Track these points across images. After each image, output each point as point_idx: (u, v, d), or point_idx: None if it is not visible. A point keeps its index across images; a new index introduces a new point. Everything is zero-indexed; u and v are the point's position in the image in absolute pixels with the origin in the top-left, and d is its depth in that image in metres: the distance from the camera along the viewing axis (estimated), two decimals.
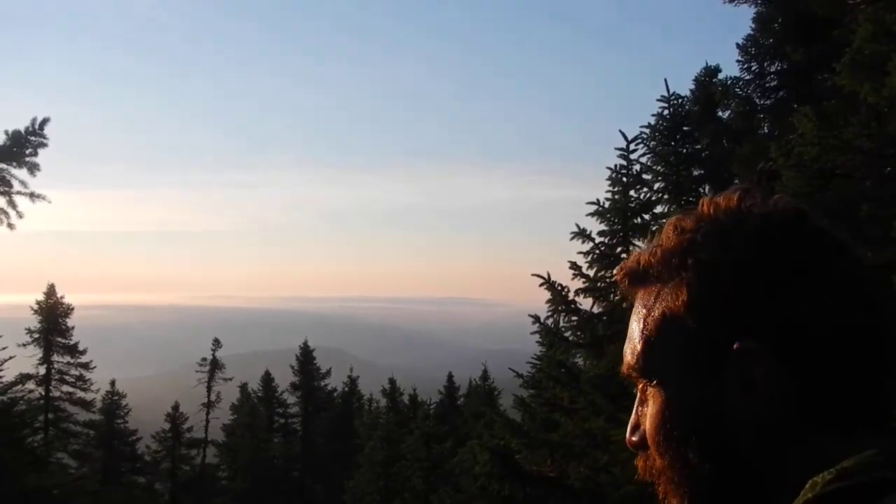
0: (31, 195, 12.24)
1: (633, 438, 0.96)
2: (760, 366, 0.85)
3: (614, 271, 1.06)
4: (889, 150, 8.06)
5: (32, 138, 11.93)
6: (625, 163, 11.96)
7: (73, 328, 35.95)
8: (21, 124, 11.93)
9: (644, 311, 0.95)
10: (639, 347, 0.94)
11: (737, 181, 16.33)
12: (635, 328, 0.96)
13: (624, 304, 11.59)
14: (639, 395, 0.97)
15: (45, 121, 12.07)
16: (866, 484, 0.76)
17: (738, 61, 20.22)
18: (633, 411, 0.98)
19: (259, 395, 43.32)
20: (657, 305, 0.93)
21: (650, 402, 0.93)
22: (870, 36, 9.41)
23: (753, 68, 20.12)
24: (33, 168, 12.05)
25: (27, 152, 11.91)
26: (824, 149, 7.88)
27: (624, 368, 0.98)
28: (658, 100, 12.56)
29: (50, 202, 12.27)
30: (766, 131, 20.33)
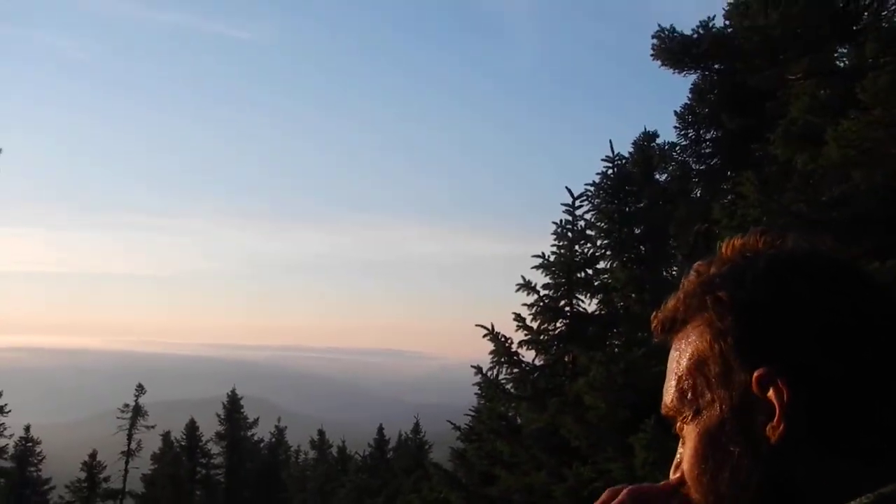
0: None
1: (675, 476, 0.99)
2: (781, 390, 0.88)
3: (651, 320, 1.09)
4: (825, 214, 8.41)
5: None
6: (570, 218, 12.19)
7: None
8: None
9: (676, 353, 0.99)
10: (673, 387, 0.98)
11: (672, 241, 16.81)
12: (669, 370, 1.00)
13: (566, 358, 11.69)
14: (679, 434, 1.00)
15: None
16: None
17: (675, 127, 20.95)
18: (677, 451, 1.01)
19: (182, 444, 41.83)
20: (685, 346, 0.98)
21: (687, 439, 0.97)
22: (806, 108, 9.90)
23: (690, 135, 20.86)
24: None
25: None
26: (765, 211, 8.19)
27: (663, 409, 1.01)
28: (602, 159, 12.92)
29: None
30: (699, 195, 21.05)
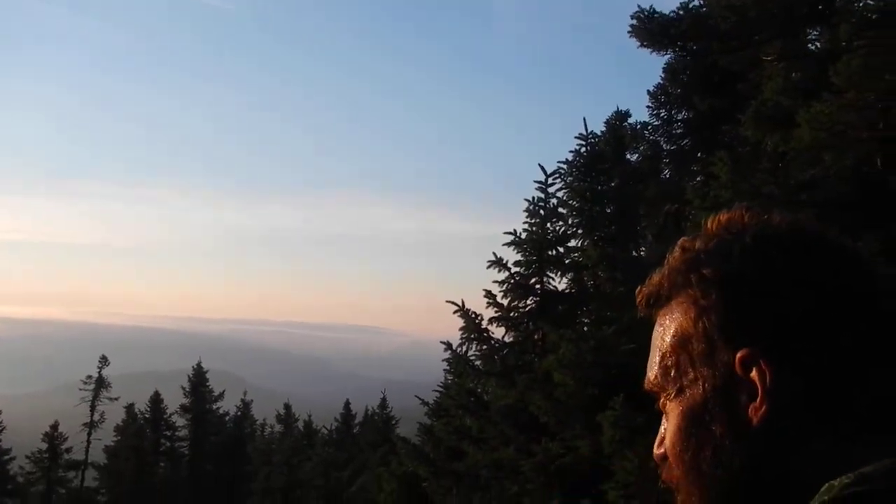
0: None
1: (659, 451, 0.98)
2: (764, 371, 0.86)
3: (637, 295, 1.05)
4: (796, 197, 8.47)
5: None
6: (542, 195, 12.17)
7: None
8: None
9: (660, 329, 0.98)
10: (657, 363, 0.97)
11: (642, 221, 16.91)
12: (653, 346, 0.99)
13: (536, 336, 11.72)
14: (662, 410, 0.99)
15: None
16: (884, 490, 0.77)
17: (648, 107, 21.03)
18: (661, 426, 0.99)
19: (146, 416, 41.48)
20: (669, 322, 0.96)
21: (670, 416, 0.95)
22: (778, 89, 9.94)
23: (662, 115, 20.95)
24: None
25: None
26: (737, 192, 8.22)
27: (646, 384, 1.00)
28: (576, 137, 12.90)
29: None
30: (669, 176, 21.20)
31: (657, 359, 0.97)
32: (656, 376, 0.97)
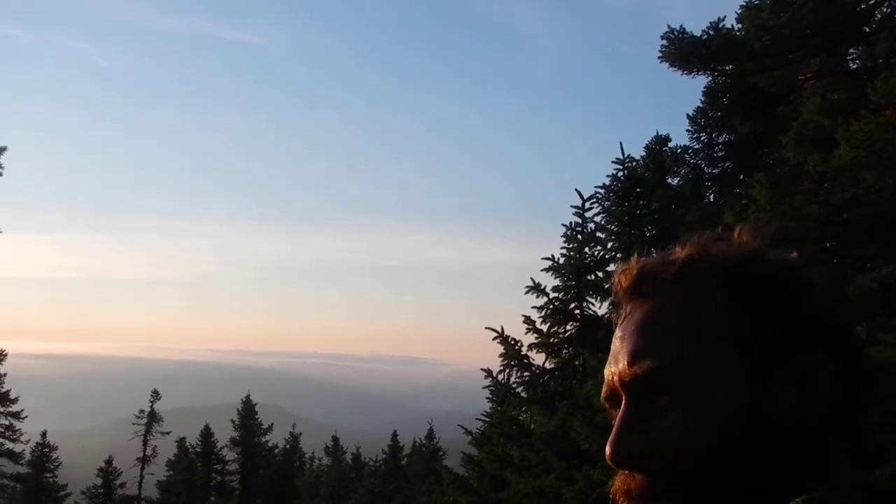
0: None
1: (631, 451, 0.89)
2: (822, 368, 0.88)
3: (615, 278, 1.02)
4: (836, 216, 8.35)
5: None
6: (580, 220, 12.18)
7: (4, 375, 34.58)
8: None
9: (666, 314, 0.92)
10: (671, 350, 0.89)
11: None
12: (654, 331, 0.92)
13: (576, 361, 11.66)
14: (641, 407, 0.91)
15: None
16: None
17: (687, 131, 20.95)
18: (626, 427, 0.91)
19: (197, 450, 41.89)
20: (687, 309, 0.91)
21: (676, 411, 0.88)
22: (817, 109, 9.85)
23: (702, 138, 20.85)
24: None
25: None
26: (776, 214, 8.14)
27: (631, 376, 0.91)
28: (613, 162, 12.91)
29: None
30: (712, 199, 20.99)
31: (669, 344, 0.90)
32: (669, 364, 0.89)
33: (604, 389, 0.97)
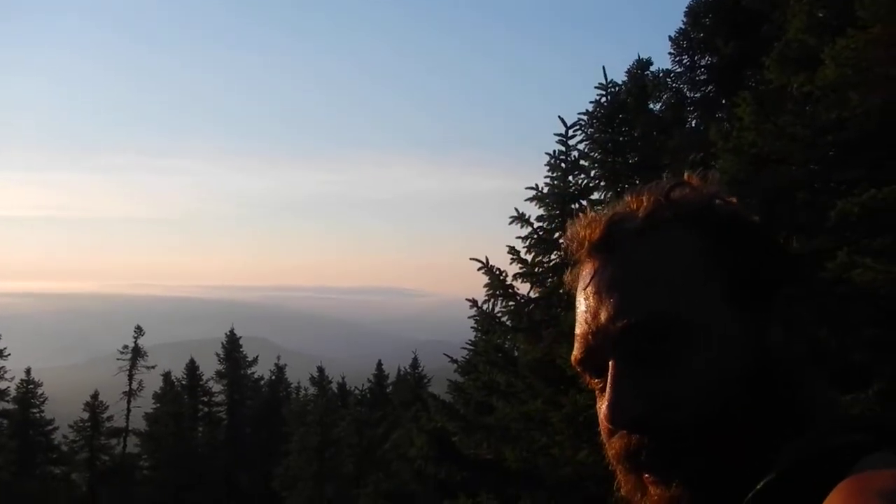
0: None
1: (636, 411, 0.83)
2: (802, 308, 0.88)
3: (574, 232, 0.95)
4: (821, 138, 8.30)
5: None
6: (563, 148, 12.03)
7: None
8: None
9: (646, 264, 0.87)
10: (661, 300, 0.85)
11: (667, 171, 16.68)
12: (637, 283, 0.87)
13: (561, 290, 11.67)
14: (634, 364, 0.85)
15: None
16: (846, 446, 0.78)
17: (670, 53, 20.68)
18: (625, 386, 0.84)
19: (183, 383, 42.28)
20: (667, 257, 0.87)
21: (678, 364, 0.83)
22: (803, 27, 9.68)
23: (685, 61, 20.60)
24: None
25: None
26: (760, 134, 8.07)
27: (622, 330, 0.85)
28: (596, 87, 12.64)
29: None
30: (694, 125, 20.88)
31: (660, 292, 0.85)
32: (667, 311, 0.84)
33: (577, 350, 0.91)
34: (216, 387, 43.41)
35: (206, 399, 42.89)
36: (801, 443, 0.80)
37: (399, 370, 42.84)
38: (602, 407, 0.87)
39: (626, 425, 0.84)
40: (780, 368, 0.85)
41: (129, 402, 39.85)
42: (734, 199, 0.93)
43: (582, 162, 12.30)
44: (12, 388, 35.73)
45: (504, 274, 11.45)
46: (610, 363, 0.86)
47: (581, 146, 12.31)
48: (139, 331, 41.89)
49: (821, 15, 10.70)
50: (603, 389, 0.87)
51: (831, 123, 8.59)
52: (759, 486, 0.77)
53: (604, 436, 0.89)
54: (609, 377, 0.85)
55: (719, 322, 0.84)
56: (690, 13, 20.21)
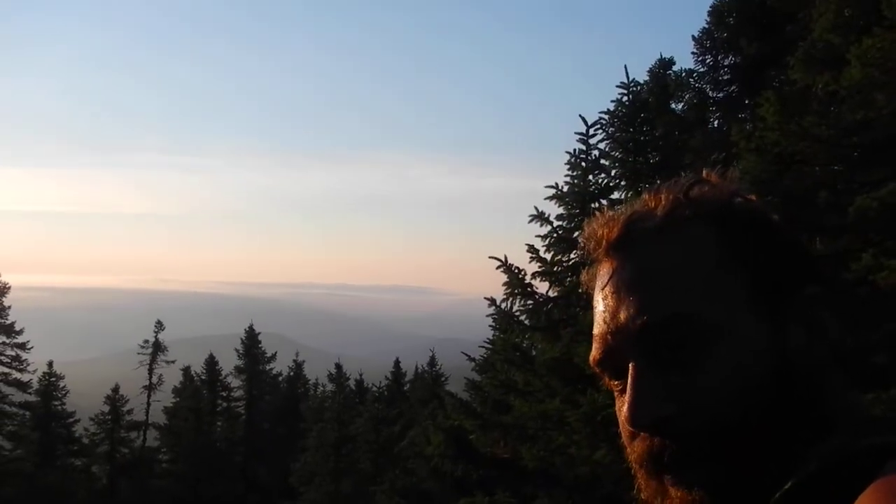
0: None
1: (660, 413, 0.82)
2: (825, 309, 0.86)
3: (592, 231, 0.93)
4: (846, 139, 8.21)
5: None
6: (584, 147, 11.99)
7: (9, 308, 34.88)
8: None
9: (667, 264, 0.86)
10: (684, 300, 0.83)
11: (688, 171, 16.56)
12: (659, 283, 0.85)
13: (579, 290, 11.64)
14: (656, 366, 0.84)
15: None
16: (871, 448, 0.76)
17: (693, 53, 20.53)
18: (647, 388, 0.83)
19: (202, 378, 42.58)
20: (688, 257, 0.86)
21: (703, 366, 0.82)
22: (829, 27, 9.58)
23: (708, 61, 20.44)
24: None
25: None
26: (784, 134, 7.98)
27: (643, 328, 0.83)
28: (617, 86, 12.58)
29: None
30: (717, 125, 20.72)
31: (678, 295, 0.83)
32: (688, 313, 0.82)
33: (596, 351, 0.90)
34: (235, 382, 43.69)
35: (224, 394, 43.16)
36: (827, 445, 0.79)
37: (416, 368, 42.90)
38: (622, 409, 0.85)
39: (647, 427, 0.83)
40: (802, 371, 0.83)
41: (149, 396, 40.27)
42: (754, 197, 0.92)
43: (602, 161, 12.24)
44: (35, 380, 36.15)
45: (523, 272, 11.42)
46: (630, 364, 0.85)
47: (602, 145, 12.27)
48: (159, 325, 42.27)
49: (847, 13, 10.59)
50: (622, 391, 0.86)
51: (856, 124, 8.49)
52: (786, 487, 0.75)
53: (625, 438, 0.88)
54: (629, 378, 0.84)
55: (741, 323, 0.83)
56: (714, 13, 20.03)
